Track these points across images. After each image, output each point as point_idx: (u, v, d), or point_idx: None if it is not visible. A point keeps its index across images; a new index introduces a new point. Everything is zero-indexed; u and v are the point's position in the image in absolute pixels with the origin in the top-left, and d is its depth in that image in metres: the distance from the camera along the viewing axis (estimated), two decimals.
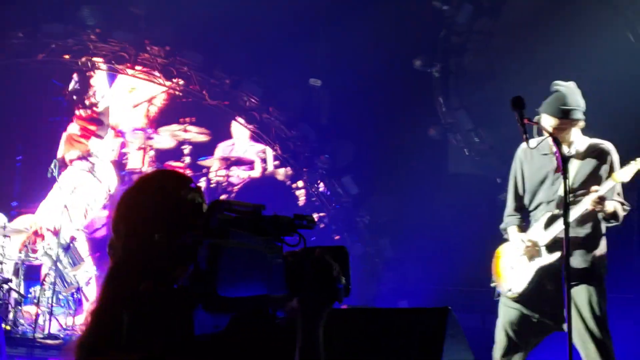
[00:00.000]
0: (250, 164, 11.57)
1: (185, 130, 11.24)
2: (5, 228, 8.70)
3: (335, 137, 11.22)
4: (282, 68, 10.94)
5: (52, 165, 8.63)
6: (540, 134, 4.64)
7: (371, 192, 10.86)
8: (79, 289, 8.97)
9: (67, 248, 8.84)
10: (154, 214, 1.59)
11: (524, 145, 4.72)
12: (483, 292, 9.44)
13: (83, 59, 10.62)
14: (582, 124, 4.65)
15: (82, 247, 10.16)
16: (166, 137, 11.26)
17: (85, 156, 10.59)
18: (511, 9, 10.29)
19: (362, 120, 11.04)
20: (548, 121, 4.56)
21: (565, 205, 3.79)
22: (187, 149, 11.25)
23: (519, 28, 10.13)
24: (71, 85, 8.89)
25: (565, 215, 3.78)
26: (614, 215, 4.50)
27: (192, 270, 1.40)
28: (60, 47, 10.56)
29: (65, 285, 8.91)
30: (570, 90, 4.65)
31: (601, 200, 4.38)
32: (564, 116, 4.55)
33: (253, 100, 11.13)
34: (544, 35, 9.68)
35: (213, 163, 11.39)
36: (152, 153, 11.20)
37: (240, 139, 11.56)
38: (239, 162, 11.51)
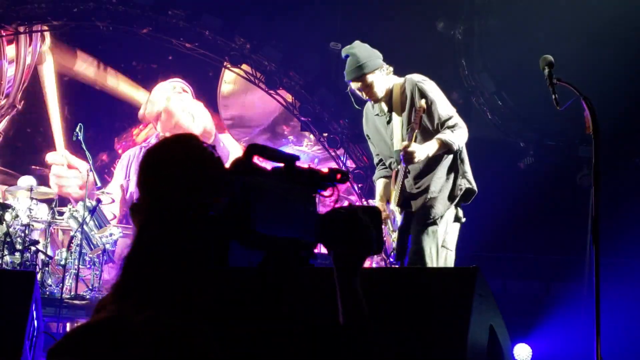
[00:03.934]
0: None
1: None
2: (33, 191, 8.81)
3: (358, 99, 11.16)
4: (301, 32, 10.89)
5: (77, 129, 8.70)
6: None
7: None
8: (104, 251, 9.09)
9: (93, 211, 8.92)
10: (185, 170, 1.63)
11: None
12: (504, 258, 9.51)
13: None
14: (381, 70, 4.68)
15: (108, 209, 10.34)
16: None
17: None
18: None
19: None
20: (355, 86, 4.69)
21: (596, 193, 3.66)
22: None
23: None
24: None
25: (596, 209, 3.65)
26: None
27: (227, 202, 1.45)
28: (82, 11, 10.60)
29: (92, 247, 9.02)
30: (358, 48, 4.68)
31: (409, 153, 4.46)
32: (363, 73, 4.62)
33: (274, 65, 11.10)
34: None
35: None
36: None
37: None
38: None
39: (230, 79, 11.91)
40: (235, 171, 1.56)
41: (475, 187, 4.75)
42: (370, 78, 4.63)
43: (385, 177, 4.96)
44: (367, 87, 4.66)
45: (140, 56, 11.72)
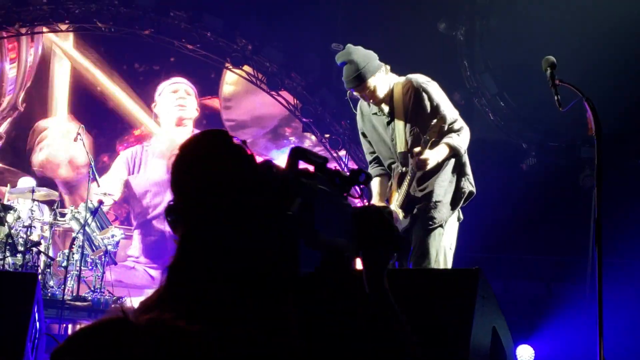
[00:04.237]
0: None
1: None
2: (34, 192, 8.81)
3: (356, 103, 11.16)
4: (303, 33, 10.89)
5: (79, 130, 8.74)
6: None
7: None
8: (106, 252, 9.08)
9: (94, 212, 8.92)
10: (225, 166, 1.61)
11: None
12: (506, 259, 9.48)
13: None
14: (381, 71, 4.61)
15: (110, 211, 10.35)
16: None
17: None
18: None
19: None
20: (358, 93, 4.64)
21: (598, 199, 3.67)
22: None
23: None
24: None
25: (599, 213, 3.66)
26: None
27: (300, 202, 1.47)
28: (84, 12, 10.61)
29: (94, 248, 9.02)
30: (354, 54, 4.60)
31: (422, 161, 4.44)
32: (365, 79, 4.55)
33: (275, 66, 11.10)
34: None
35: None
36: None
37: None
38: None
39: (231, 81, 11.91)
40: (299, 173, 1.57)
41: (474, 190, 4.75)
42: (372, 82, 4.57)
43: (380, 175, 4.93)
44: (371, 92, 4.61)
45: (143, 58, 11.73)
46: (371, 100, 4.68)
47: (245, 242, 1.52)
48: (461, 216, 4.79)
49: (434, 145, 4.49)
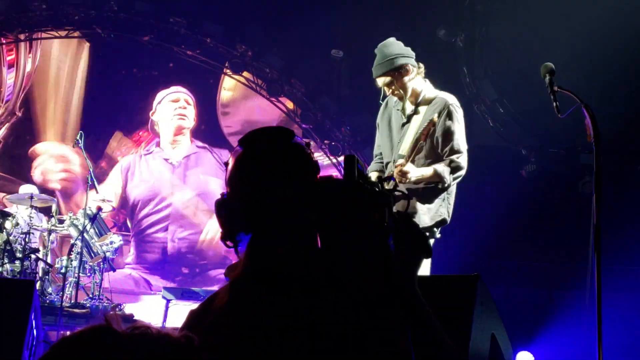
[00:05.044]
0: None
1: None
2: (33, 199, 8.79)
3: (356, 109, 11.16)
4: (303, 39, 10.89)
5: (78, 136, 8.74)
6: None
7: None
8: (105, 259, 9.06)
9: (93, 218, 8.90)
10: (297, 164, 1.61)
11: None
12: (506, 265, 9.47)
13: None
14: (406, 69, 4.66)
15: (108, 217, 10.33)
16: None
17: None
18: None
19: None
20: (382, 82, 4.69)
21: (597, 206, 3.65)
22: None
23: None
24: None
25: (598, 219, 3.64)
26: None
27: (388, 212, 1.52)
28: (83, 19, 10.62)
29: (92, 255, 9.00)
30: (389, 44, 4.69)
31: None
32: (391, 68, 4.62)
33: (275, 73, 11.09)
34: (569, 4, 9.54)
35: None
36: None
37: None
38: None
39: (229, 86, 11.90)
40: (379, 182, 1.60)
41: (449, 220, 4.78)
42: (394, 76, 4.64)
43: (378, 171, 4.96)
44: (386, 84, 4.67)
45: (142, 63, 11.71)
46: (390, 93, 4.73)
47: (287, 243, 1.51)
48: (437, 235, 4.80)
49: (429, 155, 4.52)
